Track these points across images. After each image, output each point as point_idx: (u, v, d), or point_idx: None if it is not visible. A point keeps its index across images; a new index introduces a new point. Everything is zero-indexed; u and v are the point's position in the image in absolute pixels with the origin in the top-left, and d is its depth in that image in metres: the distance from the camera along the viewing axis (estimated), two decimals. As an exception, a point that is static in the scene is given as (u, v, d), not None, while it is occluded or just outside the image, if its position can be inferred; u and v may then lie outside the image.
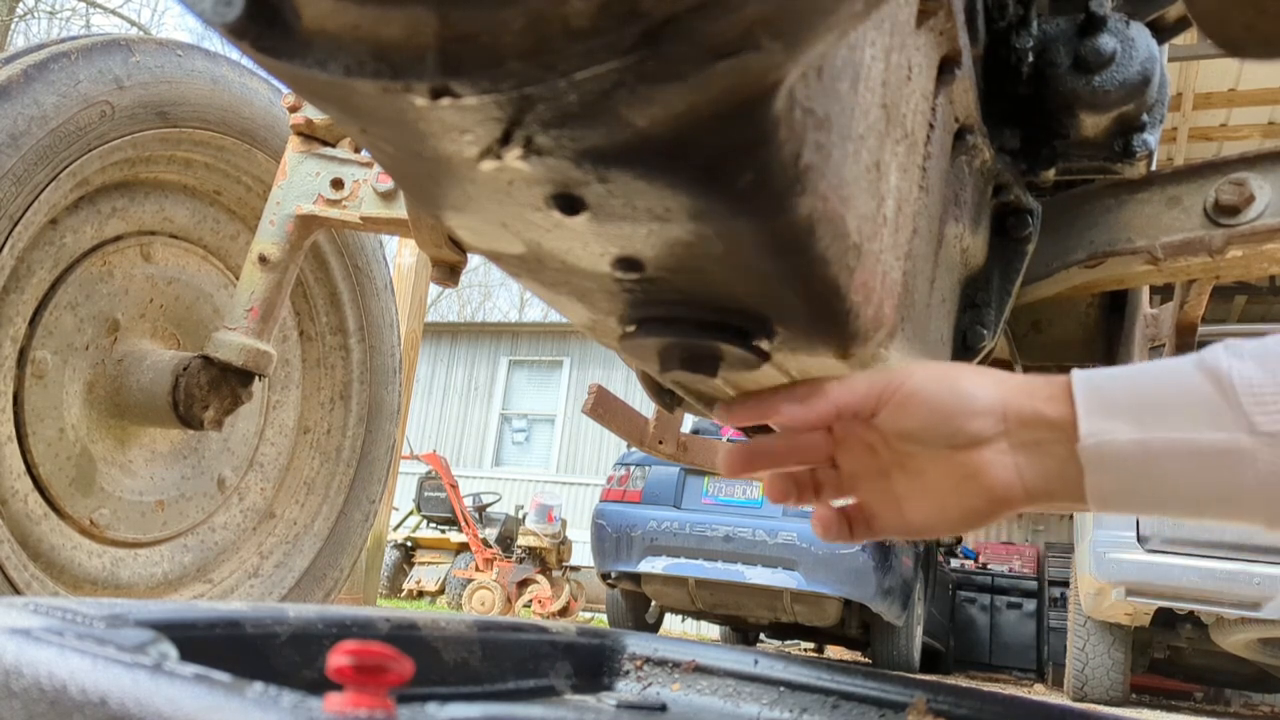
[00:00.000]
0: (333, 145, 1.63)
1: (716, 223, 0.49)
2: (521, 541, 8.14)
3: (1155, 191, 1.12)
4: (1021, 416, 0.59)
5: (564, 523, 8.25)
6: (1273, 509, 0.53)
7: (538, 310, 21.41)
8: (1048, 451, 0.59)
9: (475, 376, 14.23)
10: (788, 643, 8.81)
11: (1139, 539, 4.61)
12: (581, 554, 9.66)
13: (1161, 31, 1.14)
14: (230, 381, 1.60)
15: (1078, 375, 0.59)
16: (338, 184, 1.59)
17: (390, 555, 9.17)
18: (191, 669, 0.35)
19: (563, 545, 8.16)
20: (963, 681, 5.13)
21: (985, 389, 0.60)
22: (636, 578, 5.77)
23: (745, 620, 6.29)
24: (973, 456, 0.60)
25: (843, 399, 0.63)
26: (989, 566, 9.96)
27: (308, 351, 2.00)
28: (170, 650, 0.44)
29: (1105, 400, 0.56)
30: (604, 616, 7.74)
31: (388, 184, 1.56)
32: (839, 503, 0.68)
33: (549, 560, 8.10)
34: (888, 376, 0.62)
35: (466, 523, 8.66)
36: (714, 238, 0.50)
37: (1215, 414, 0.53)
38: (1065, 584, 8.70)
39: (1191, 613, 4.80)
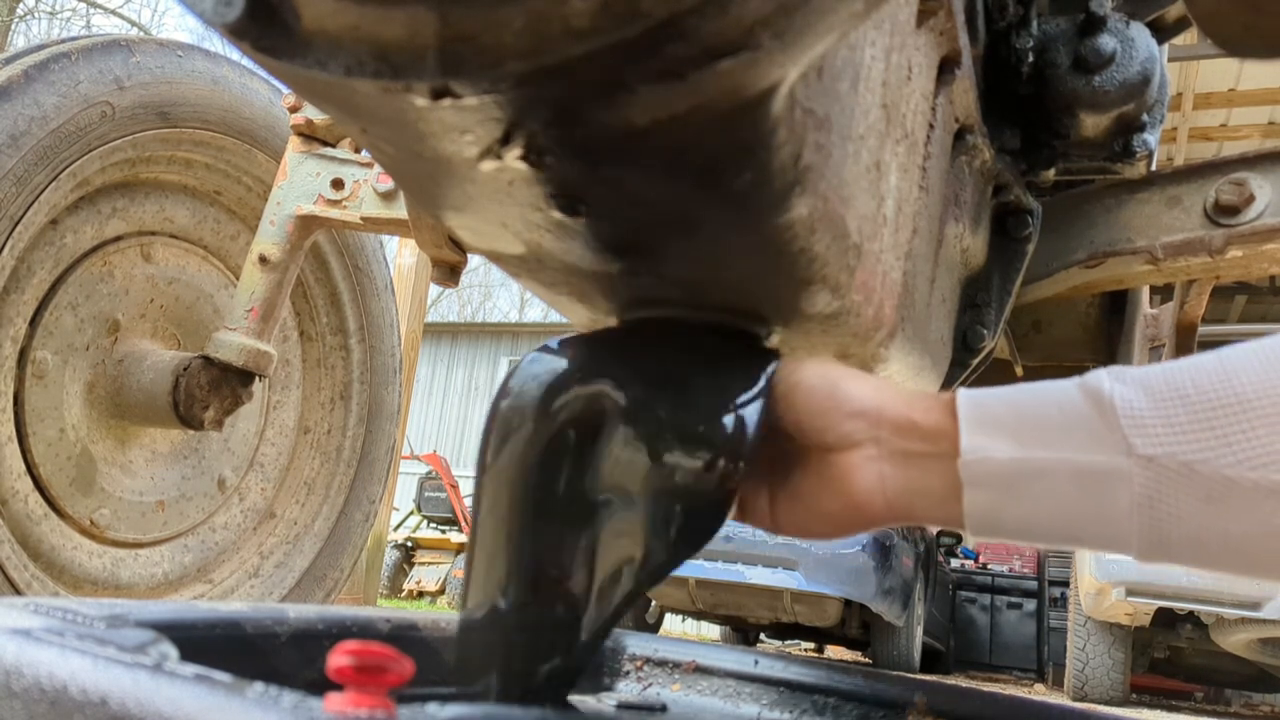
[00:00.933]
0: (333, 145, 1.63)
1: (716, 223, 0.49)
2: (522, 542, 8.13)
3: (1155, 191, 1.12)
4: (896, 423, 0.58)
5: (564, 523, 8.24)
6: (1145, 534, 0.53)
7: (538, 310, 21.40)
8: (917, 464, 0.58)
9: (475, 376, 14.23)
10: (788, 643, 8.81)
11: (1139, 539, 4.61)
12: (582, 554, 9.64)
13: (1161, 31, 1.14)
14: (230, 382, 1.60)
15: (963, 391, 0.58)
16: (338, 184, 1.59)
17: (390, 555, 9.16)
18: (192, 669, 0.35)
19: (563, 545, 8.15)
20: (963, 681, 5.13)
21: (864, 391, 0.59)
22: (637, 578, 5.76)
23: (745, 620, 6.29)
24: (840, 458, 0.59)
25: None
26: (989, 566, 9.96)
27: (308, 351, 2.01)
28: (171, 651, 0.44)
29: (988, 417, 0.56)
30: (604, 617, 7.72)
31: (388, 184, 1.56)
32: None
33: (549, 560, 8.09)
34: (781, 368, 0.60)
35: (467, 523, 8.65)
36: (714, 238, 0.50)
37: (1094, 435, 0.53)
38: (1065, 584, 8.69)
39: (1191, 613, 4.80)
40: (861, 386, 0.60)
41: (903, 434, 0.58)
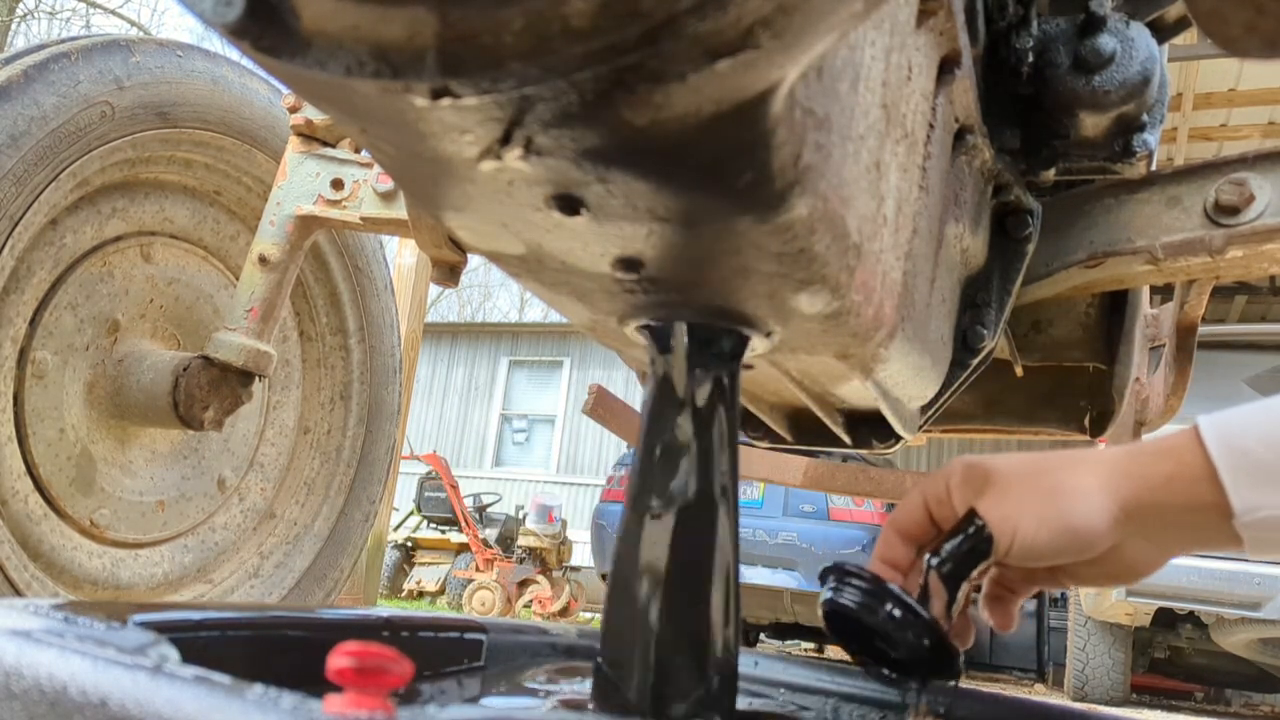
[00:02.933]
0: (333, 145, 1.63)
1: (716, 223, 0.49)
2: (522, 542, 8.14)
3: (1155, 191, 1.12)
4: (1147, 513, 0.58)
5: (564, 523, 8.25)
6: None
7: (538, 310, 21.40)
8: (1191, 533, 0.59)
9: (475, 376, 14.23)
10: (788, 643, 8.81)
11: (1139, 539, 4.61)
12: (581, 554, 9.65)
13: (1161, 31, 1.14)
14: (230, 382, 1.60)
15: (1212, 435, 0.56)
16: (338, 184, 1.59)
17: (390, 555, 9.16)
18: (192, 670, 0.35)
19: (563, 545, 8.16)
20: (963, 682, 5.11)
21: (1095, 510, 0.58)
22: (637, 578, 5.76)
23: (745, 621, 6.29)
24: (1108, 562, 0.61)
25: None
26: (989, 566, 9.93)
27: (308, 352, 2.00)
28: (171, 652, 0.44)
29: (1253, 468, 0.55)
30: (604, 617, 7.72)
31: (388, 184, 1.56)
32: None
33: (549, 560, 8.10)
34: (996, 528, 0.60)
35: (467, 523, 8.66)
36: (714, 238, 0.50)
37: None
38: (1065, 584, 8.67)
39: (1192, 613, 4.80)
40: (1088, 503, 0.58)
41: (1162, 519, 0.58)
